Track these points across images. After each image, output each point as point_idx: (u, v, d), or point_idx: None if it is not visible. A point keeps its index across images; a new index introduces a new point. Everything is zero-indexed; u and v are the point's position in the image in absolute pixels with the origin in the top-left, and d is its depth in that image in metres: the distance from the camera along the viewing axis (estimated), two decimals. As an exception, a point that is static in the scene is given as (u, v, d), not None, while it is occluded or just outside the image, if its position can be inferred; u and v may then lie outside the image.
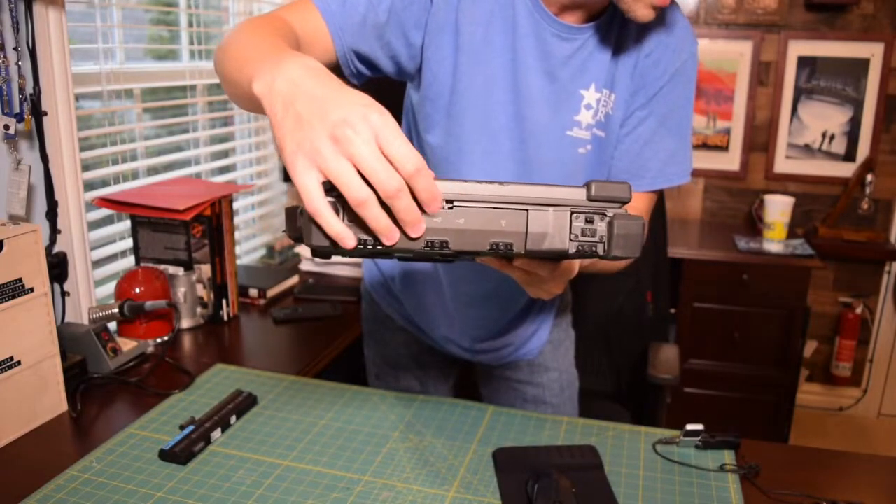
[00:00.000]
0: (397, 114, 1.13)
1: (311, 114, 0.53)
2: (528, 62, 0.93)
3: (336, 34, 0.87)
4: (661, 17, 0.95)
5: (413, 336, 1.26)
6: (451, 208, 0.59)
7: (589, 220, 0.61)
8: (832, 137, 2.76)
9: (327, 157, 0.52)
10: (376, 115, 0.52)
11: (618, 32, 0.95)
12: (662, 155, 1.01)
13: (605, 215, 0.61)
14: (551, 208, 0.60)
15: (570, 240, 0.61)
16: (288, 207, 0.65)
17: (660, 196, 1.82)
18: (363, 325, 1.35)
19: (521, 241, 0.60)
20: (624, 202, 0.62)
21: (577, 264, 0.77)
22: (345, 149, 0.52)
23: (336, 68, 0.91)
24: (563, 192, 0.61)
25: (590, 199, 0.61)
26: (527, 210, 0.60)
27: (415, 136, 1.06)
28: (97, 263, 1.58)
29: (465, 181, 0.60)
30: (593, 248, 0.61)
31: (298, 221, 0.60)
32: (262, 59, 0.62)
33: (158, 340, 1.41)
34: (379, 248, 0.58)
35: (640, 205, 1.04)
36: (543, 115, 0.96)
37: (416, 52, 0.94)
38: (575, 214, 0.60)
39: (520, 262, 0.72)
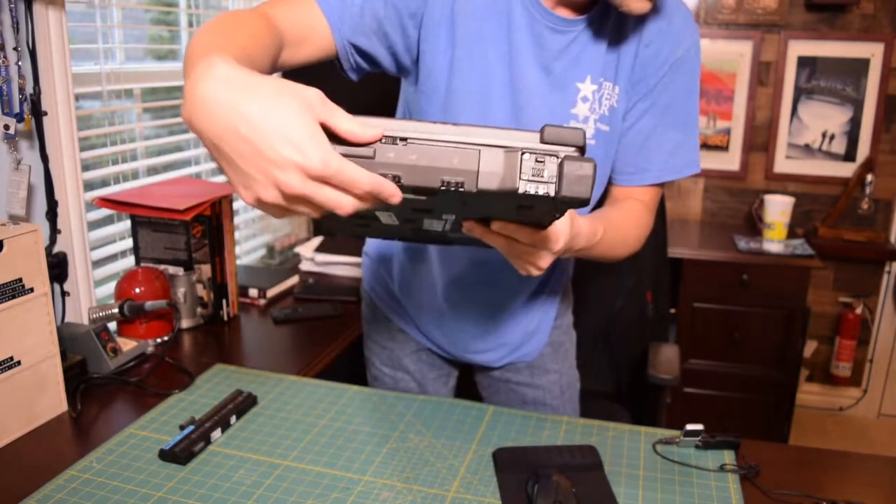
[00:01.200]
0: (391, 111, 1.13)
1: (241, 159, 0.55)
2: (523, 55, 0.94)
3: (336, 27, 0.87)
4: (661, 7, 0.95)
5: (412, 338, 1.26)
6: (405, 145, 0.61)
7: (539, 161, 0.62)
8: (832, 137, 2.76)
9: (266, 196, 0.56)
10: (295, 133, 0.53)
11: (616, 23, 0.95)
12: (667, 146, 1.00)
13: (557, 157, 0.62)
14: (503, 149, 0.62)
15: (521, 179, 0.62)
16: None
17: (660, 192, 1.82)
18: (363, 327, 1.35)
19: (472, 180, 0.62)
20: (577, 146, 0.63)
21: (560, 233, 0.77)
22: (278, 187, 0.55)
23: (333, 62, 0.92)
24: (517, 136, 0.63)
25: (543, 142, 0.62)
26: (479, 150, 0.62)
27: None
28: (97, 263, 1.58)
29: (422, 121, 0.62)
30: (545, 191, 0.62)
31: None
32: (187, 72, 0.61)
33: (158, 340, 1.41)
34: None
35: (645, 197, 1.04)
36: (540, 108, 0.96)
37: (413, 45, 0.94)
38: (526, 154, 0.62)
39: (497, 225, 0.73)
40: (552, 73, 0.95)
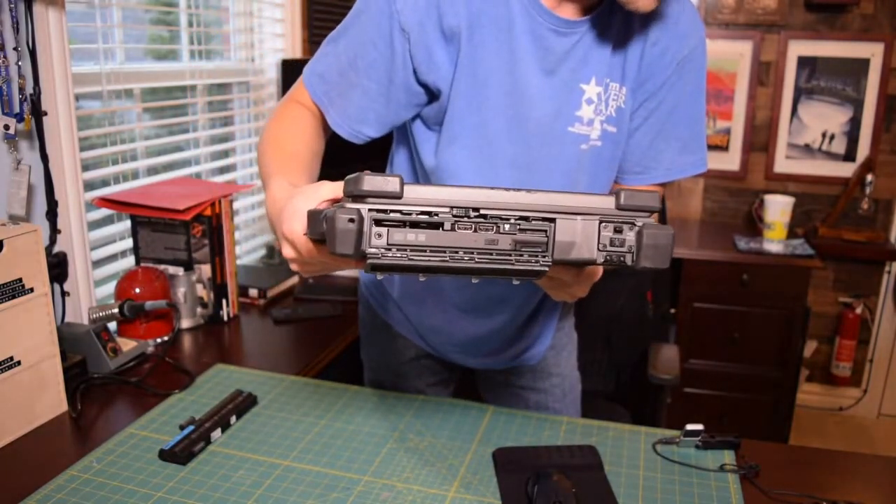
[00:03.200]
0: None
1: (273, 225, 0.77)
2: (526, 60, 0.92)
3: (354, 136, 0.98)
4: (667, 5, 0.93)
5: (412, 342, 1.24)
6: (479, 219, 0.58)
7: (618, 230, 0.60)
8: (832, 137, 2.76)
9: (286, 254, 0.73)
10: (284, 227, 0.69)
11: (622, 23, 0.93)
12: (675, 145, 1.00)
13: (635, 225, 0.60)
14: (580, 217, 0.59)
15: (599, 249, 0.60)
16: (311, 210, 0.66)
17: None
18: (360, 331, 1.33)
19: (547, 251, 0.60)
20: (653, 212, 0.61)
21: (601, 268, 0.77)
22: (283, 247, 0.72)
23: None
24: (591, 201, 0.60)
25: (619, 207, 0.60)
26: (554, 219, 0.59)
27: (414, 153, 1.05)
28: (97, 263, 1.58)
29: (493, 189, 0.59)
30: (621, 259, 0.60)
31: (320, 226, 0.62)
32: (263, 183, 0.88)
33: (158, 340, 1.41)
34: (405, 260, 0.59)
35: None
36: (545, 112, 0.94)
37: (421, 91, 0.96)
38: (604, 224, 0.59)
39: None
40: (556, 75, 0.93)
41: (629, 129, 0.99)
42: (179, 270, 1.53)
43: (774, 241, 2.57)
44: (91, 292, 1.48)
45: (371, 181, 0.56)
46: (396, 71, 0.92)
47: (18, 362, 1.02)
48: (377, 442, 0.99)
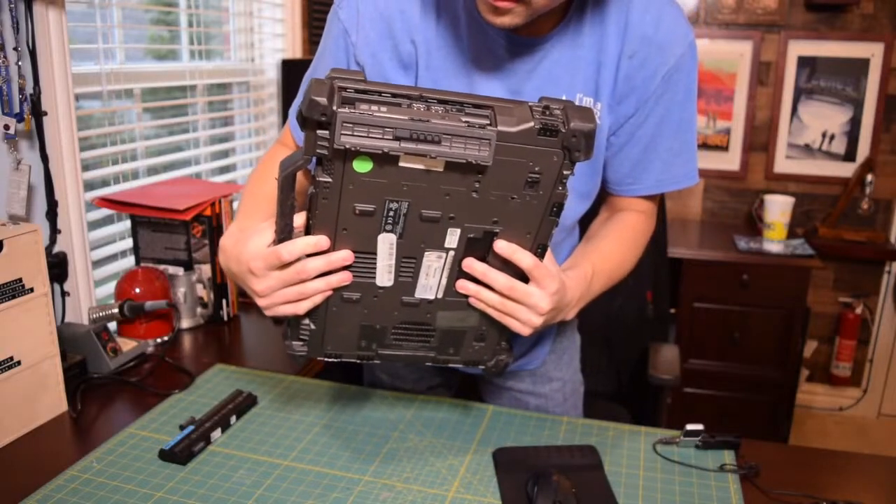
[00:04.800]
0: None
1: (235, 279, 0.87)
2: (485, 82, 0.89)
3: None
4: (644, 11, 0.87)
5: None
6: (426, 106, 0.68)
7: (546, 107, 0.70)
8: (832, 137, 2.76)
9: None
10: (250, 266, 0.79)
11: (594, 34, 0.88)
12: (665, 156, 0.96)
13: (560, 103, 0.70)
14: (513, 103, 0.70)
15: (535, 118, 0.68)
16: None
17: (660, 196, 1.81)
18: None
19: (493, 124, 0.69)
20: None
21: (553, 274, 0.79)
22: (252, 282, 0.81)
23: None
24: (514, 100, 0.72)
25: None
26: (492, 106, 0.70)
27: None
28: (97, 263, 1.58)
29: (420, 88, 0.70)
30: (557, 125, 0.68)
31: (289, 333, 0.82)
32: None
33: (158, 340, 1.41)
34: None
35: (644, 207, 1.02)
36: None
37: None
38: (533, 104, 0.70)
39: (496, 261, 0.78)
40: (521, 95, 0.89)
41: (617, 145, 0.96)
42: (179, 270, 1.53)
43: (774, 241, 2.57)
44: (91, 292, 1.48)
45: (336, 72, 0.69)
46: None
47: (18, 362, 1.02)
48: (377, 442, 0.99)
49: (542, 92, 0.90)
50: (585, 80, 0.90)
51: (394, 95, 0.67)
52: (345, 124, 0.63)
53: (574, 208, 1.01)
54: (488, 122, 0.67)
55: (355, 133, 0.64)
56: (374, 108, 0.64)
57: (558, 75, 0.89)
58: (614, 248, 0.98)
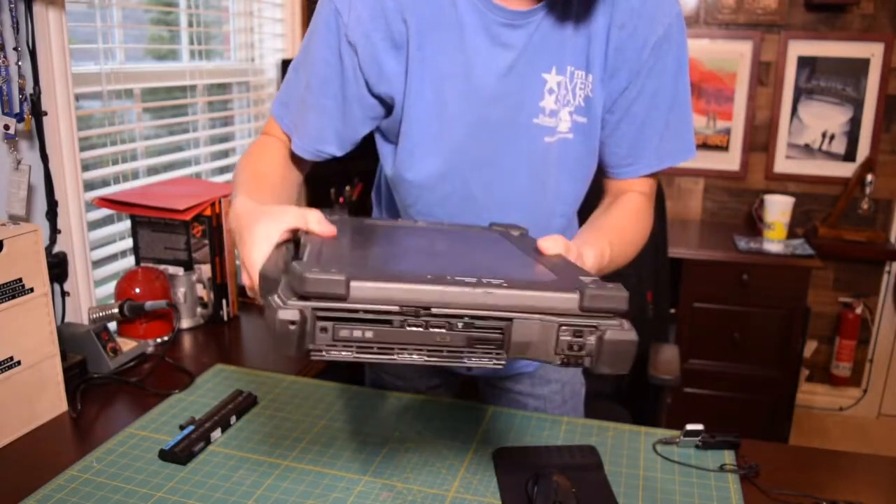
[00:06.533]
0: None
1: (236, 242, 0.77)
2: (481, 60, 0.90)
3: (308, 153, 0.98)
4: None
5: None
6: (427, 317, 0.56)
7: (578, 334, 0.56)
8: (832, 137, 2.76)
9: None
10: (244, 253, 0.71)
11: (581, 6, 0.89)
12: (662, 131, 0.96)
13: (597, 329, 0.56)
14: (538, 317, 0.56)
15: (555, 353, 0.57)
16: (262, 272, 0.63)
17: (659, 195, 1.82)
18: None
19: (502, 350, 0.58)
20: (619, 314, 0.57)
21: None
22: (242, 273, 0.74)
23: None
24: (552, 298, 0.56)
25: (582, 309, 0.56)
26: (511, 319, 0.56)
27: (381, 170, 1.06)
28: (97, 263, 1.58)
29: (447, 285, 0.55)
30: (579, 362, 0.57)
31: (272, 288, 0.60)
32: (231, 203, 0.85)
33: (158, 340, 1.41)
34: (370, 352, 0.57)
35: (645, 188, 1.01)
36: (507, 110, 0.92)
37: (375, 101, 0.96)
38: (563, 328, 0.56)
39: None
40: (514, 69, 0.90)
41: (612, 122, 0.96)
42: (179, 270, 1.53)
43: (774, 241, 2.57)
44: (91, 292, 1.48)
45: (315, 282, 0.53)
46: (349, 85, 0.92)
47: (18, 362, 1.02)
48: (377, 442, 0.99)
49: (533, 65, 0.90)
50: (575, 53, 0.91)
51: (383, 313, 0.55)
52: (322, 349, 0.56)
53: (572, 192, 1.01)
54: (495, 348, 0.57)
55: (328, 355, 0.56)
56: (357, 333, 0.56)
57: (549, 46, 0.90)
58: (625, 228, 0.96)
